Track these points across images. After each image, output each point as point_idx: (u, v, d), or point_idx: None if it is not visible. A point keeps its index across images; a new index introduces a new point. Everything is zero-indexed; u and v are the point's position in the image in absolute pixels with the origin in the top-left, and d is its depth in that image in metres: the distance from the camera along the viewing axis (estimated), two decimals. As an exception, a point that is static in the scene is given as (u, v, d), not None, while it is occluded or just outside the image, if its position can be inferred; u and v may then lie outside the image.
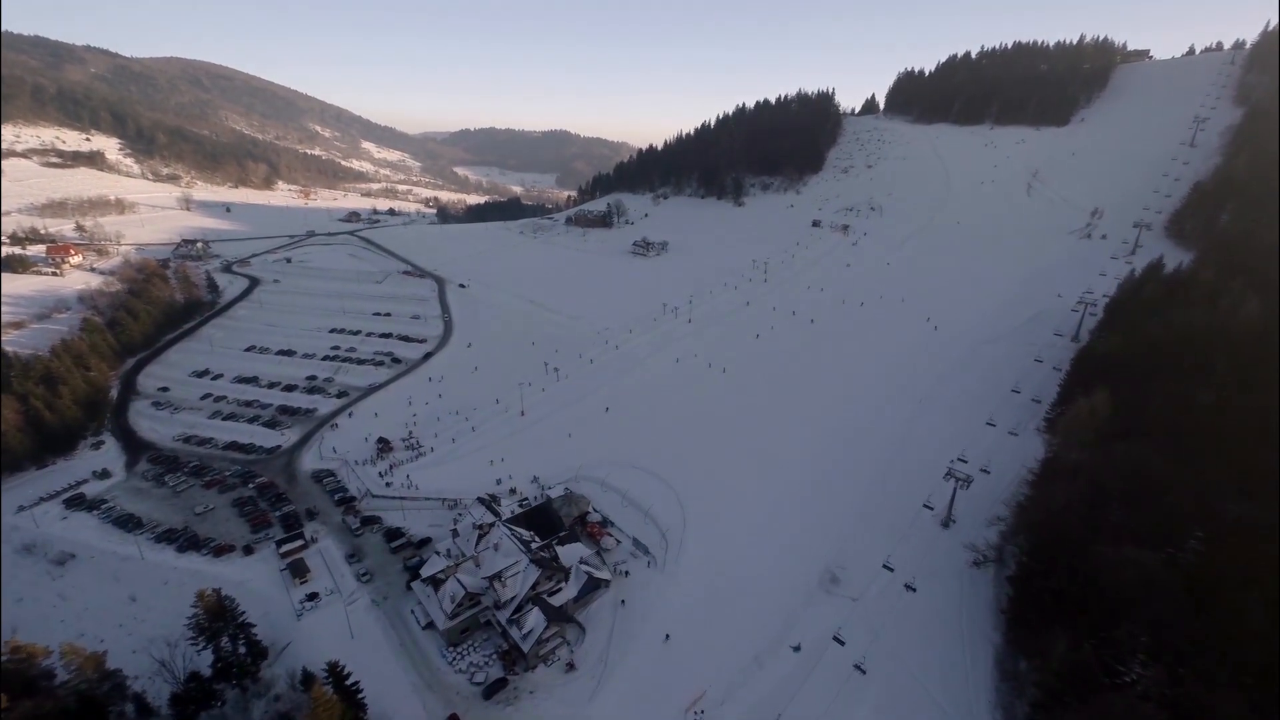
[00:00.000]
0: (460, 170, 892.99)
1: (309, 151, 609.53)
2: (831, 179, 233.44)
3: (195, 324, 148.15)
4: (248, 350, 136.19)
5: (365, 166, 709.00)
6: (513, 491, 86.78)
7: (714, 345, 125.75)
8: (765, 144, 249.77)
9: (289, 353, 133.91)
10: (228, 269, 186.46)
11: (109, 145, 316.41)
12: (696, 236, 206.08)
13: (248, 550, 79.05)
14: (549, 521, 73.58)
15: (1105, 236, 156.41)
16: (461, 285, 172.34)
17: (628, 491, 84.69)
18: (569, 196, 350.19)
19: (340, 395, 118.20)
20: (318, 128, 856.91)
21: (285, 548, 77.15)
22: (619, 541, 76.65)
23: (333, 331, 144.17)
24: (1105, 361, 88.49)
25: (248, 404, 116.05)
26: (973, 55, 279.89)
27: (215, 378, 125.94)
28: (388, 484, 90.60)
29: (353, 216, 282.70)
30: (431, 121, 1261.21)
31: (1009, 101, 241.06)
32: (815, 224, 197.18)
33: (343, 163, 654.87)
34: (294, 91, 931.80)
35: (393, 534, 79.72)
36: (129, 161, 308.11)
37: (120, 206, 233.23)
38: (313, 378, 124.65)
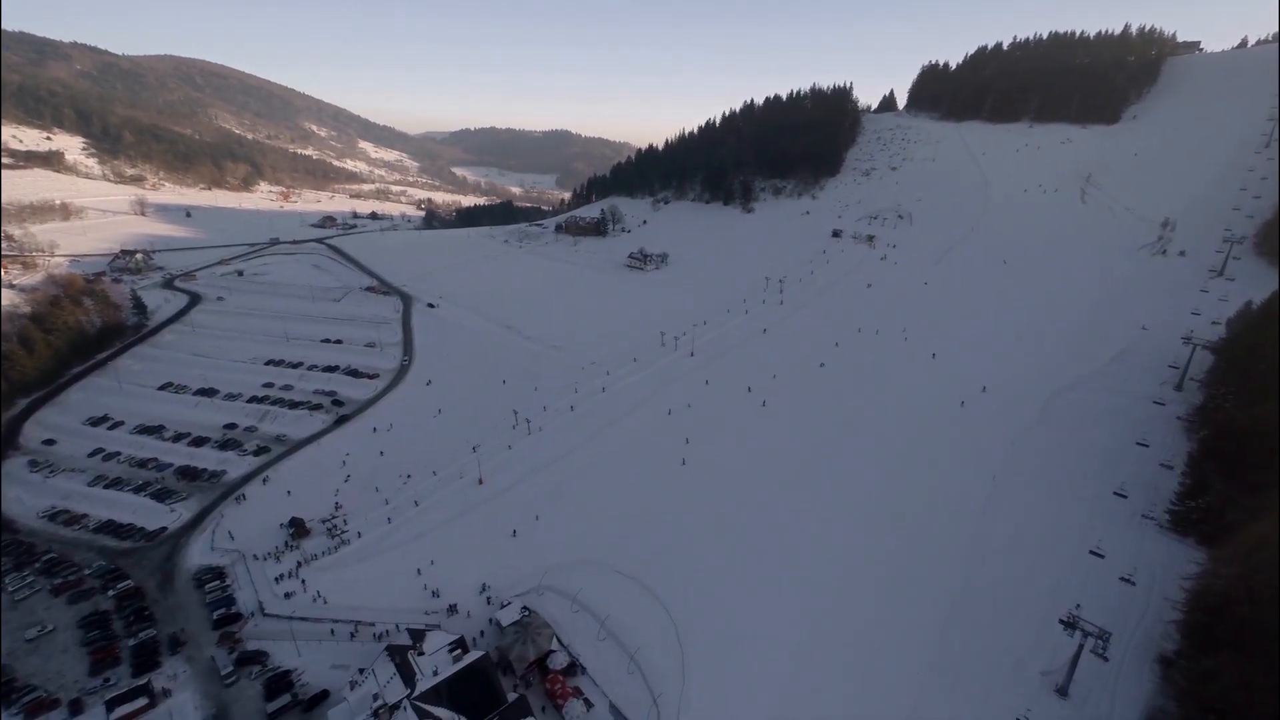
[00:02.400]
0: (458, 170, 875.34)
1: (300, 151, 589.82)
2: (851, 183, 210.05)
3: (110, 354, 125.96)
4: (162, 388, 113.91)
5: (359, 167, 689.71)
6: (451, 610, 64.09)
7: (718, 391, 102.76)
8: (777, 144, 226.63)
9: (209, 392, 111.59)
10: (169, 284, 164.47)
11: (72, 144, 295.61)
12: (700, 247, 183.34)
13: (75, 707, 56.65)
14: (485, 690, 50.78)
15: (1184, 253, 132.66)
16: (430, 305, 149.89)
17: (608, 616, 61.87)
18: (562, 200, 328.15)
19: (259, 451, 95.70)
20: (313, 127, 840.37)
21: (119, 711, 54.59)
22: (591, 705, 53.84)
23: (269, 364, 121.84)
24: (1254, 440, 65.26)
25: (143, 464, 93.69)
26: (1004, 46, 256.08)
27: (114, 426, 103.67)
28: (287, 594, 67.98)
29: (326, 221, 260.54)
30: (432, 121, 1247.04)
31: (1050, 97, 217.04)
32: (836, 234, 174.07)
33: (335, 163, 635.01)
34: (291, 90, 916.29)
35: (277, 683, 57.08)
36: (91, 162, 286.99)
37: (65, 212, 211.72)
38: (231, 426, 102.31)
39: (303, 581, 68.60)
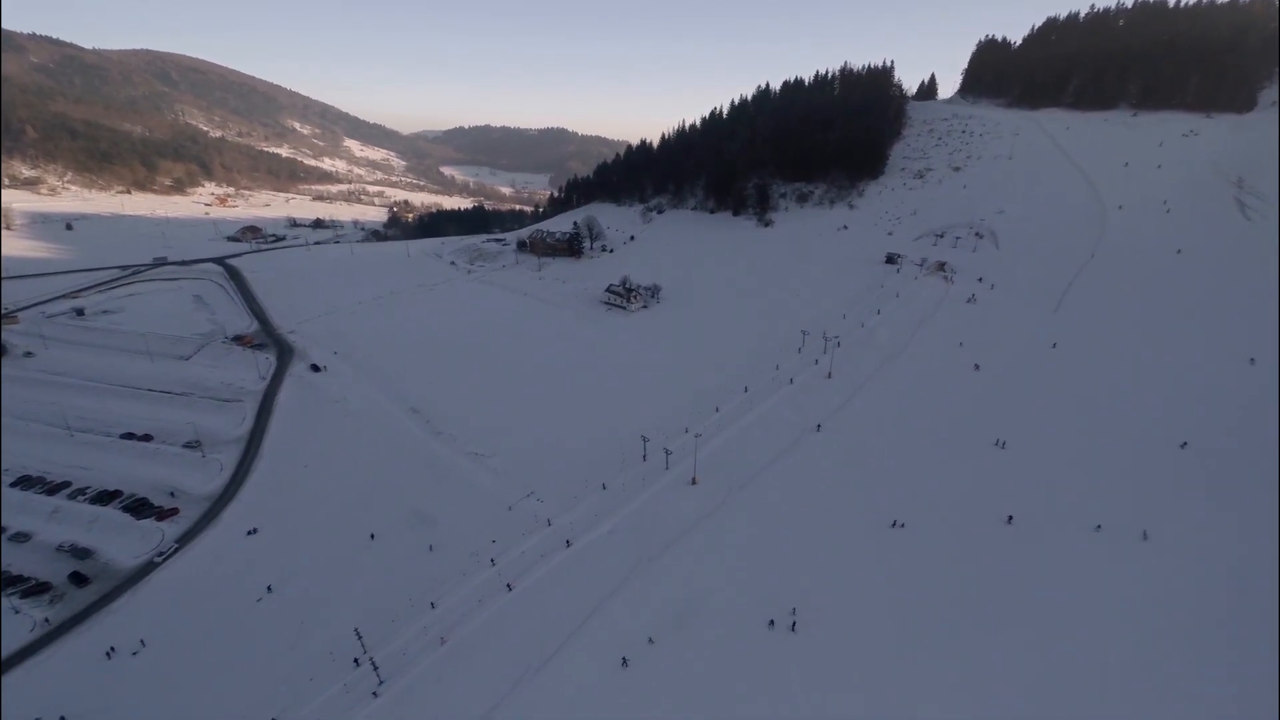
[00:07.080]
0: (447, 170, 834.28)
1: (269, 149, 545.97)
2: (901, 187, 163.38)
3: None
4: None
5: (337, 166, 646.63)
6: None
7: (733, 578, 56.33)
8: (800, 138, 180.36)
9: (-128, 555, 65.89)
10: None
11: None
12: (704, 275, 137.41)
13: None
14: None
15: None
16: (314, 367, 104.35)
17: None
18: (537, 205, 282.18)
19: None
20: (295, 124, 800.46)
21: None
22: None
23: (17, 484, 76.46)
24: None
25: None
26: (1080, 16, 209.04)
27: None
28: None
29: (246, 233, 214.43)
30: (427, 119, 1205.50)
31: (1156, 79, 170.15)
32: (890, 259, 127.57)
33: (309, 162, 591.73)
34: (276, 87, 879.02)
35: None
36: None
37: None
38: None
39: None
